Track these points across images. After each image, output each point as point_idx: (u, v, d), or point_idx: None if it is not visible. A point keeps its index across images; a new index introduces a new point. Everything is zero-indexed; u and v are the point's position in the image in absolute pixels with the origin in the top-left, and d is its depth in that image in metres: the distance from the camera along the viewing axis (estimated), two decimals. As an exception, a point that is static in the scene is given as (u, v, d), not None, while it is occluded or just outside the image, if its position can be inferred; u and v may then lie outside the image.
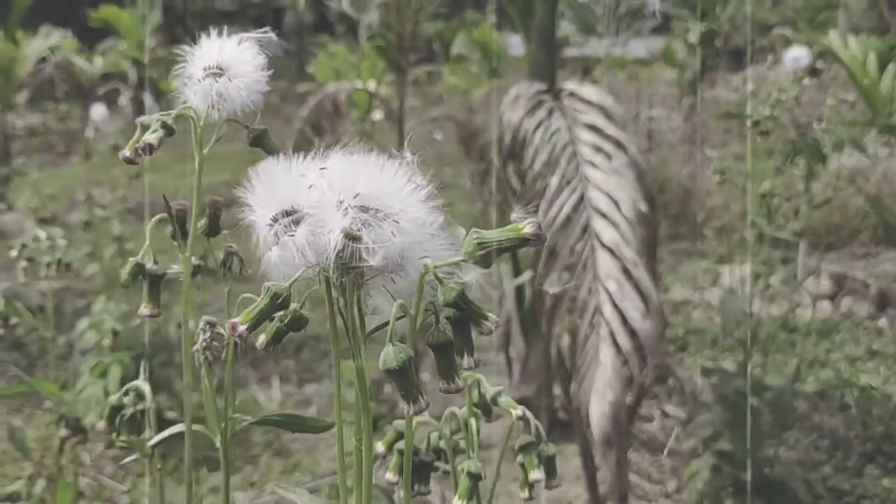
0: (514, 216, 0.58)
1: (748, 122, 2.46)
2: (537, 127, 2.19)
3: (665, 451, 2.81)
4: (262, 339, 0.58)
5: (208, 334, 0.88)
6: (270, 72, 0.83)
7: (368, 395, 0.61)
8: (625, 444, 1.79)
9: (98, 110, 5.02)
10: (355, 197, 0.55)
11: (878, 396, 3.17)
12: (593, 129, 2.14)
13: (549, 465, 0.83)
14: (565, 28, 7.35)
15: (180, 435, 0.93)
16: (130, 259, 0.89)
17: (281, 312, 0.58)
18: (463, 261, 0.57)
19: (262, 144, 0.85)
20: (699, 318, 4.02)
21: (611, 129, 2.13)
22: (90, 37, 8.45)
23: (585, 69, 8.03)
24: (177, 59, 0.82)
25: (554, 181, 2.06)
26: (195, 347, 0.89)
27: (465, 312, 0.57)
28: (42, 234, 2.07)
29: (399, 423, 0.81)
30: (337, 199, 0.55)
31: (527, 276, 2.74)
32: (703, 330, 3.84)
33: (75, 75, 8.14)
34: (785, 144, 2.48)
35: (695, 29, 5.52)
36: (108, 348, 2.89)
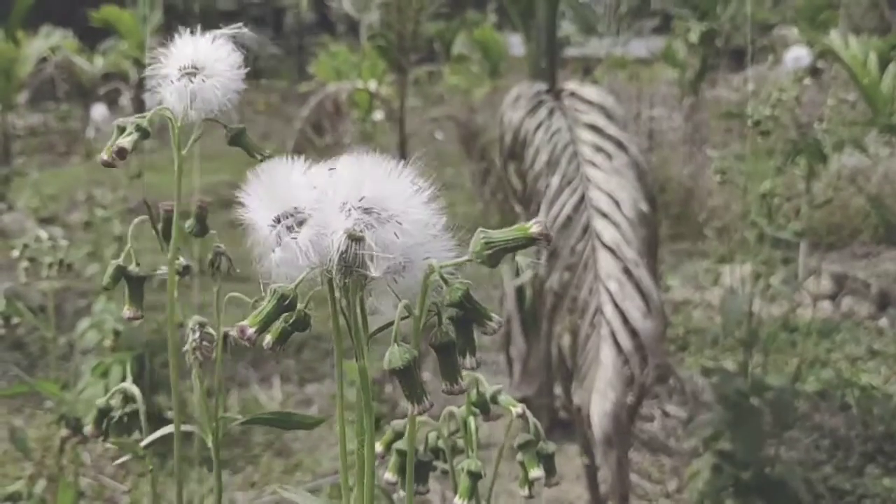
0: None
1: (749, 122, 2.46)
2: (538, 127, 2.19)
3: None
4: (268, 339, 0.58)
5: (198, 335, 0.88)
6: (247, 69, 0.82)
7: (371, 395, 0.61)
8: (626, 444, 1.79)
9: (99, 110, 5.02)
10: (358, 199, 0.55)
11: (879, 396, 3.17)
12: (594, 128, 2.14)
13: (549, 464, 0.83)
14: (566, 28, 7.36)
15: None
16: (111, 262, 0.88)
17: (287, 313, 0.58)
18: (468, 261, 0.57)
19: (241, 143, 0.84)
20: (700, 317, 4.02)
21: (611, 129, 2.13)
22: (91, 37, 8.46)
23: (586, 69, 8.04)
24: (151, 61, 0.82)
25: (555, 181, 2.06)
26: (185, 348, 0.89)
27: (470, 313, 0.57)
28: (43, 234, 2.07)
29: (397, 423, 0.81)
30: (340, 201, 0.55)
31: (527, 275, 2.74)
32: (704, 330, 3.85)
33: (76, 75, 8.15)
34: (786, 144, 2.48)
35: (695, 29, 5.53)
36: (109, 348, 2.89)
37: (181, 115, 0.81)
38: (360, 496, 0.63)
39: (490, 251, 0.57)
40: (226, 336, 0.89)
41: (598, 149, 2.09)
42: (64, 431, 2.13)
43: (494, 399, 0.83)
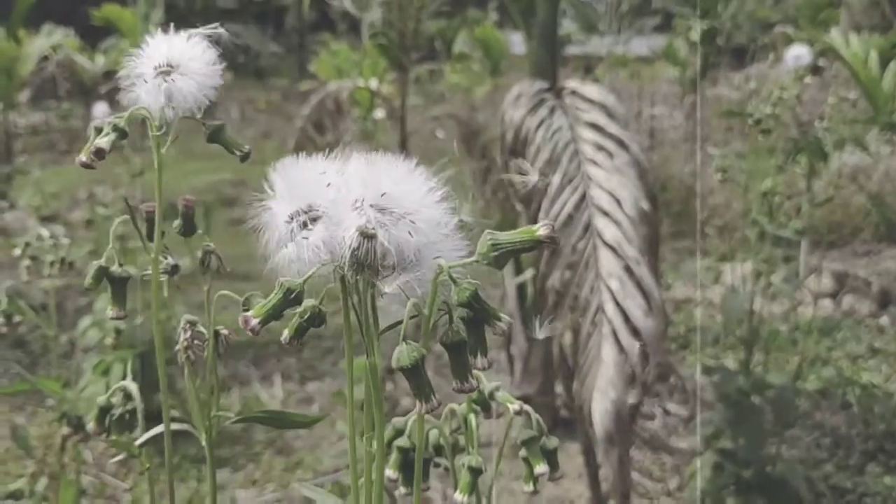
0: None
1: (750, 121, 2.46)
2: (539, 125, 2.19)
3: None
4: (285, 334, 0.59)
5: (189, 334, 0.88)
6: (223, 65, 0.81)
7: (379, 392, 0.62)
8: (627, 442, 1.80)
9: (100, 108, 5.01)
10: (371, 197, 0.55)
11: (880, 394, 3.18)
12: (595, 127, 2.14)
13: (551, 459, 0.83)
14: (567, 26, 7.36)
15: (176, 433, 0.93)
16: (93, 262, 0.88)
17: (300, 308, 0.58)
18: (476, 262, 0.57)
19: (220, 140, 0.83)
20: (701, 316, 4.02)
21: (612, 128, 2.13)
22: (92, 35, 8.46)
23: (587, 67, 8.04)
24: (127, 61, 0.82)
25: (556, 179, 2.06)
26: (176, 347, 0.89)
27: (479, 312, 0.57)
28: (45, 232, 2.07)
29: (397, 421, 0.82)
30: (353, 199, 0.55)
31: (528, 274, 2.75)
32: (705, 328, 3.85)
33: (77, 74, 8.16)
34: (787, 142, 2.48)
35: (696, 27, 5.52)
36: (110, 346, 2.89)
37: (158, 113, 0.81)
38: (368, 492, 0.64)
39: (497, 253, 0.58)
40: (217, 334, 0.89)
41: (600, 147, 2.09)
42: (65, 429, 2.13)
43: (492, 395, 0.83)
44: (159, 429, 0.92)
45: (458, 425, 0.84)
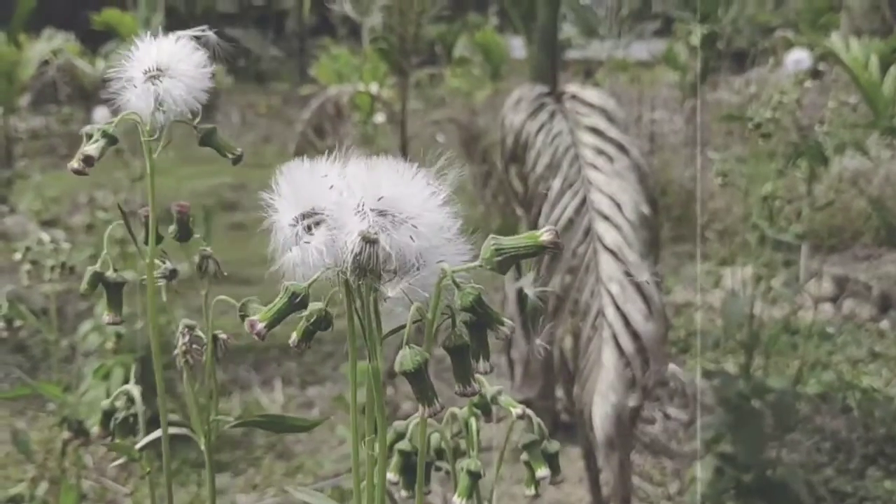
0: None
1: (750, 125, 2.46)
2: (539, 130, 2.20)
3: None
4: (293, 337, 0.59)
5: (187, 338, 0.88)
6: (213, 68, 0.81)
7: (382, 397, 0.62)
8: (627, 447, 1.80)
9: (101, 113, 5.02)
10: (374, 201, 0.55)
11: (881, 398, 3.17)
12: (595, 131, 2.14)
13: (553, 462, 0.84)
14: (567, 30, 7.37)
15: (175, 437, 0.93)
16: (88, 268, 0.88)
17: (307, 312, 0.59)
18: (480, 266, 0.58)
19: (212, 143, 0.83)
20: (701, 320, 4.02)
21: (613, 132, 2.13)
22: (93, 39, 8.46)
23: (587, 72, 8.04)
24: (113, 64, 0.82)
25: (556, 184, 2.06)
26: (175, 352, 0.89)
27: (482, 317, 0.58)
28: (45, 237, 2.07)
29: (398, 424, 0.82)
30: (356, 203, 0.56)
31: (529, 278, 2.74)
32: (706, 332, 3.85)
33: (78, 78, 8.16)
34: (787, 147, 2.48)
35: (697, 31, 5.53)
36: (110, 351, 2.89)
37: (149, 118, 0.80)
38: (370, 495, 0.64)
39: (500, 258, 0.58)
40: (216, 339, 0.89)
41: (600, 151, 2.09)
42: (66, 434, 2.14)
43: (495, 400, 0.84)
44: (159, 433, 0.92)
45: (458, 429, 0.84)
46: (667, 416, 3.12)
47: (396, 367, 0.56)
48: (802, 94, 2.49)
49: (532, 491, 0.83)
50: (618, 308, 1.83)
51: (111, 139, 0.80)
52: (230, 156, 0.83)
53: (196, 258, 0.89)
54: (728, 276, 3.65)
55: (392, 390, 3.03)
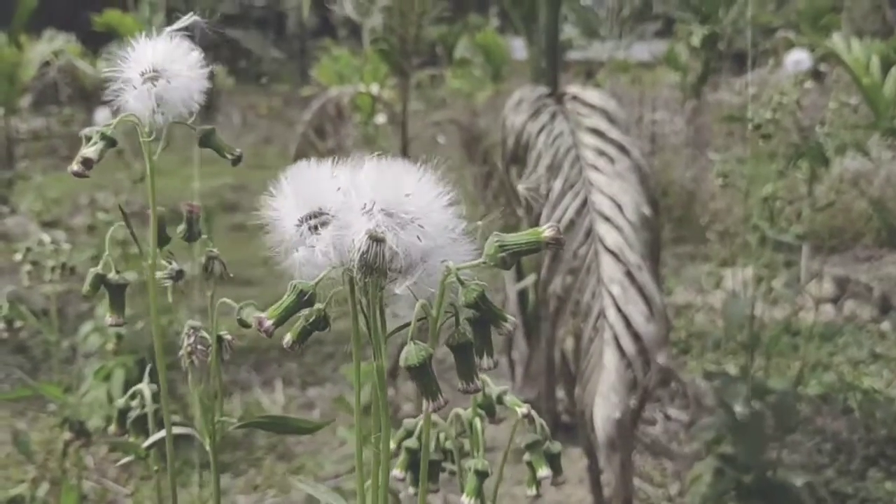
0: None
1: (750, 126, 2.46)
2: (540, 131, 2.20)
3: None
4: (287, 337, 0.59)
5: (192, 339, 0.88)
6: (210, 67, 0.81)
7: (385, 395, 0.62)
8: (629, 447, 1.80)
9: (102, 114, 5.02)
10: (381, 201, 0.56)
11: (881, 399, 3.17)
12: (596, 132, 2.14)
13: (555, 463, 0.84)
14: (568, 31, 7.36)
15: (179, 437, 0.93)
16: (91, 270, 0.88)
17: (307, 310, 0.59)
18: (484, 263, 0.58)
19: (211, 144, 0.83)
20: (702, 321, 4.02)
21: (614, 133, 2.13)
22: (94, 41, 8.46)
23: (588, 72, 8.05)
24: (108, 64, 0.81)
25: (557, 185, 2.06)
26: (180, 353, 0.89)
27: (485, 314, 0.58)
28: (46, 237, 2.07)
29: (408, 422, 0.82)
30: (362, 203, 0.56)
31: (530, 279, 2.75)
32: (706, 333, 3.85)
33: (79, 79, 8.16)
34: (788, 148, 2.48)
35: (697, 32, 5.54)
36: (111, 352, 2.89)
37: (147, 120, 0.80)
38: (374, 494, 0.64)
39: (504, 254, 0.59)
40: (220, 340, 0.89)
41: (601, 152, 2.09)
42: (67, 434, 2.13)
43: (500, 400, 0.84)
44: (163, 433, 0.92)
45: (462, 429, 0.85)
46: (667, 418, 3.13)
47: (401, 362, 0.56)
48: (803, 94, 2.49)
49: (534, 491, 0.84)
50: (619, 309, 1.83)
51: (110, 141, 0.80)
52: (229, 156, 0.83)
53: (202, 259, 0.89)
54: (729, 277, 3.65)
55: (393, 391, 3.03)
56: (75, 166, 0.79)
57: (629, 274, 1.86)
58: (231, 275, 0.88)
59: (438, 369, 0.57)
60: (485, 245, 0.59)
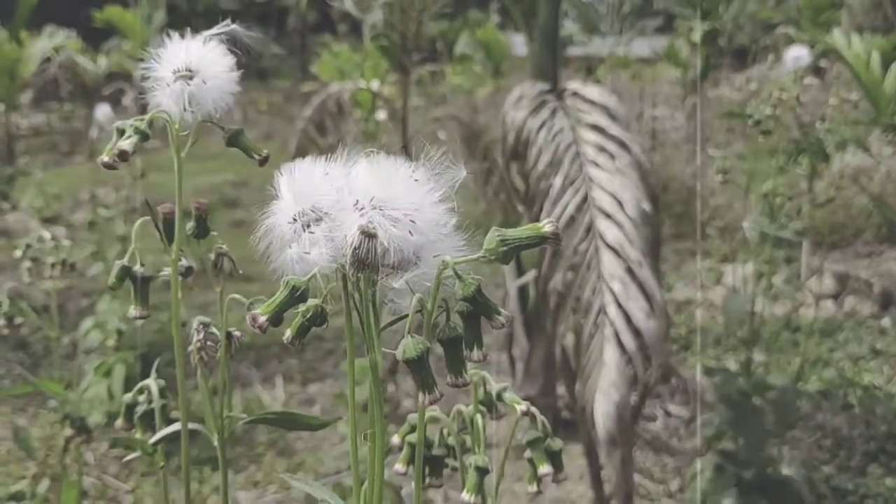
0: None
1: (750, 122, 2.46)
2: (541, 127, 2.19)
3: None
4: (287, 333, 0.60)
5: (202, 335, 0.89)
6: (240, 71, 0.83)
7: (380, 390, 0.63)
8: (629, 443, 1.80)
9: (102, 110, 5.02)
10: (373, 198, 0.57)
11: (882, 396, 3.17)
12: (597, 128, 2.14)
13: (555, 460, 0.84)
14: (569, 27, 7.35)
15: (180, 433, 0.93)
16: (116, 262, 0.89)
17: (303, 307, 0.60)
18: (482, 257, 0.59)
19: (239, 144, 0.85)
20: (702, 317, 4.02)
21: (614, 129, 2.13)
22: (94, 37, 8.47)
23: (589, 68, 8.04)
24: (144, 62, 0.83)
25: (557, 181, 2.06)
26: (190, 348, 0.89)
27: (481, 306, 0.59)
28: (46, 234, 2.07)
29: (413, 417, 0.83)
30: (355, 200, 0.57)
31: (530, 275, 2.75)
32: (707, 329, 3.85)
33: (79, 75, 8.16)
34: (788, 144, 2.48)
35: (698, 28, 5.53)
36: (111, 348, 2.89)
37: (178, 117, 0.82)
38: (371, 488, 0.65)
39: (504, 248, 0.59)
40: (230, 335, 0.90)
41: (601, 149, 2.09)
42: (67, 431, 2.14)
43: (500, 397, 0.85)
44: (176, 427, 0.93)
45: (464, 425, 0.85)
46: (668, 414, 3.13)
47: (398, 356, 0.57)
48: (802, 90, 2.49)
49: (535, 488, 0.84)
50: (619, 305, 1.83)
51: (143, 135, 0.82)
52: (256, 157, 0.84)
53: (212, 256, 0.90)
54: (729, 273, 3.66)
55: (393, 387, 3.04)
56: (106, 157, 0.81)
57: (630, 270, 1.86)
58: (240, 271, 0.89)
59: (439, 365, 0.57)
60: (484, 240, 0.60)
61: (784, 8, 7.43)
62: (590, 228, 1.96)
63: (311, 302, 0.60)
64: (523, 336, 2.91)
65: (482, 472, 0.77)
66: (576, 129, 2.15)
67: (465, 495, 0.76)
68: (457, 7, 9.24)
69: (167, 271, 0.88)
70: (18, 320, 1.88)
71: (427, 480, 0.84)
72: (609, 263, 1.89)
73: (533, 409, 0.84)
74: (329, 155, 0.61)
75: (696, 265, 4.59)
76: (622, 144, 2.09)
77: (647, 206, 1.97)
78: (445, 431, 0.85)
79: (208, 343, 0.89)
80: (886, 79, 2.80)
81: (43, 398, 3.09)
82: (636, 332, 1.79)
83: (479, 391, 0.85)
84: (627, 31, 6.88)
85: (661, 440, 2.98)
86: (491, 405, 0.85)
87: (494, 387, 0.85)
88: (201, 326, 0.89)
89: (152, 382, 0.99)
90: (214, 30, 0.83)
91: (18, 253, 2.06)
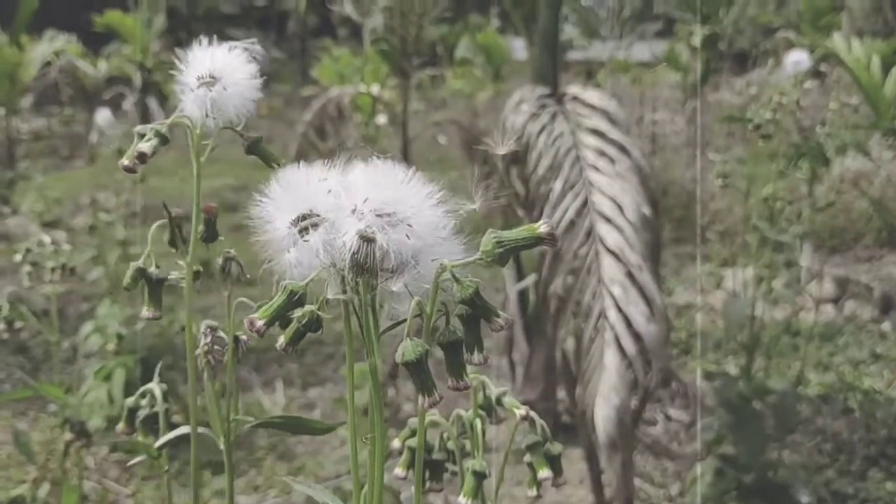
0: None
1: (750, 126, 2.46)
2: (541, 131, 2.20)
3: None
4: (281, 340, 0.60)
5: (209, 339, 0.89)
6: (263, 79, 0.84)
7: (380, 394, 0.63)
8: (630, 448, 1.80)
9: (103, 114, 5.03)
10: (371, 202, 0.57)
11: (882, 400, 3.17)
12: (596, 132, 2.14)
13: (555, 464, 0.84)
14: (569, 31, 7.36)
15: (185, 438, 0.94)
16: (132, 263, 0.90)
17: (299, 312, 0.60)
18: (479, 259, 0.59)
19: (258, 152, 0.86)
20: (702, 321, 4.02)
21: (614, 133, 2.13)
22: (95, 41, 8.47)
23: (589, 73, 8.05)
24: (173, 65, 0.84)
25: (557, 185, 2.06)
26: (197, 352, 0.89)
27: (479, 309, 0.59)
28: (46, 238, 2.07)
29: (413, 421, 0.83)
30: (353, 204, 0.57)
31: (530, 280, 2.75)
32: (707, 333, 3.84)
33: (80, 79, 8.17)
34: (788, 148, 2.48)
35: (698, 32, 5.53)
36: (111, 352, 2.89)
37: (199, 122, 0.83)
38: (371, 492, 0.65)
39: (501, 250, 0.59)
40: (237, 339, 0.90)
41: (601, 153, 2.09)
42: (68, 435, 2.14)
43: (499, 401, 0.85)
44: (184, 429, 0.93)
45: (464, 430, 0.85)
46: (668, 418, 3.12)
47: (397, 358, 0.57)
48: (803, 94, 2.49)
49: (534, 492, 0.84)
50: (620, 310, 1.83)
51: (163, 138, 0.83)
52: (275, 166, 0.85)
53: (220, 260, 0.90)
54: (729, 277, 3.66)
55: (393, 391, 3.04)
56: (127, 161, 0.82)
57: (630, 274, 1.86)
58: (248, 276, 0.89)
59: (439, 369, 0.57)
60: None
61: (784, 12, 7.44)
62: (590, 232, 1.96)
63: (307, 308, 0.60)
64: (523, 340, 2.91)
65: (479, 476, 0.77)
66: (576, 134, 2.15)
67: (463, 499, 0.76)
68: (457, 11, 9.26)
69: (176, 274, 0.89)
70: (18, 324, 1.88)
71: (427, 485, 0.84)
72: (609, 267, 1.89)
73: (532, 413, 0.84)
74: (329, 159, 0.61)
75: (696, 269, 4.59)
76: (622, 148, 2.09)
77: (647, 211, 1.97)
78: (445, 436, 0.85)
79: (216, 347, 0.89)
80: (886, 83, 2.81)
81: (43, 402, 3.09)
82: (636, 336, 1.79)
83: (478, 395, 0.85)
84: (627, 35, 6.88)
85: (662, 444, 2.98)
86: (490, 409, 0.85)
87: (494, 391, 0.85)
88: (209, 330, 0.89)
89: (155, 386, 1.00)
90: (241, 43, 0.84)
91: (18, 257, 2.06)
